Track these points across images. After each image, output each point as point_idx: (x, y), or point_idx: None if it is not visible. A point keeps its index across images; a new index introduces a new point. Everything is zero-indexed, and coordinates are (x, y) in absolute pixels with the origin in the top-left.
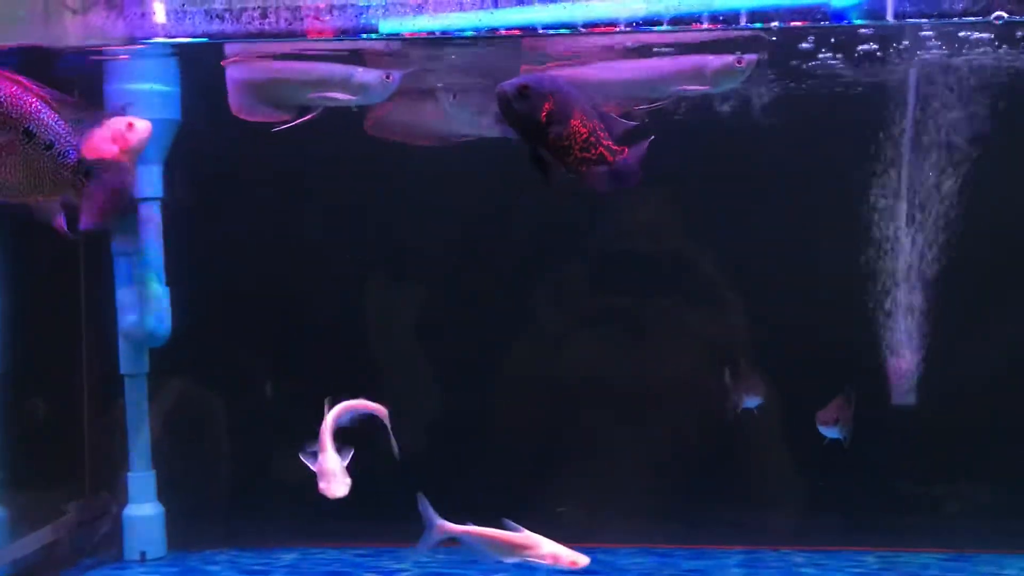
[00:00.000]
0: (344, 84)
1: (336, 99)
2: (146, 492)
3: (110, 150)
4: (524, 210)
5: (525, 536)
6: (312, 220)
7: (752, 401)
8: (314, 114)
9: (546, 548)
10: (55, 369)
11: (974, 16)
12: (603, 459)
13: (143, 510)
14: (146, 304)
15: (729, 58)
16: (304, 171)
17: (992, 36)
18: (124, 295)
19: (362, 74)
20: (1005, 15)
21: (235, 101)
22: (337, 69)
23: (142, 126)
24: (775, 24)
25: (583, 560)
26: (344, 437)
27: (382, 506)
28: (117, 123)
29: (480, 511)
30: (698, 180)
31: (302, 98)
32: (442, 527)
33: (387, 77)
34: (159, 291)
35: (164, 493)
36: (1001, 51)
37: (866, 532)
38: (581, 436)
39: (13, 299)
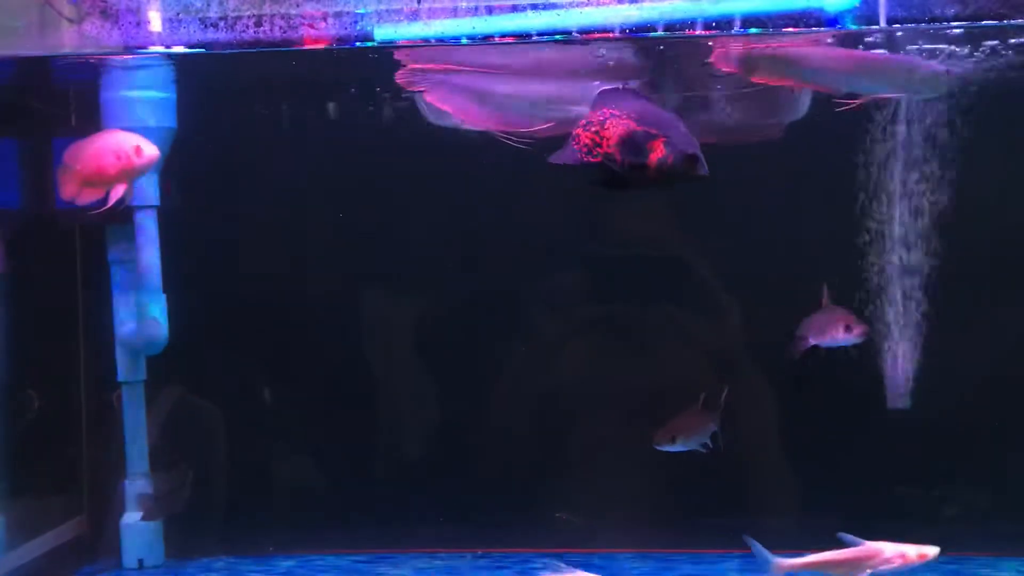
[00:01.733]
0: (908, 75)
1: (888, 93)
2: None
3: (112, 165)
4: (521, 216)
5: (866, 548)
6: (309, 227)
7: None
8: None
9: (890, 551)
10: (53, 377)
11: (965, 20)
12: (602, 464)
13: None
14: (143, 312)
15: (940, 67)
16: (301, 178)
17: (981, 39)
18: (121, 303)
19: (928, 66)
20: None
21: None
22: (898, 60)
23: (150, 151)
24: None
25: (932, 551)
26: (342, 438)
27: (379, 512)
28: (125, 142)
29: (478, 515)
30: (694, 186)
31: (844, 87)
32: (779, 564)
33: (947, 72)
34: (156, 299)
35: None
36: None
37: (863, 536)
38: (580, 442)
39: (11, 308)
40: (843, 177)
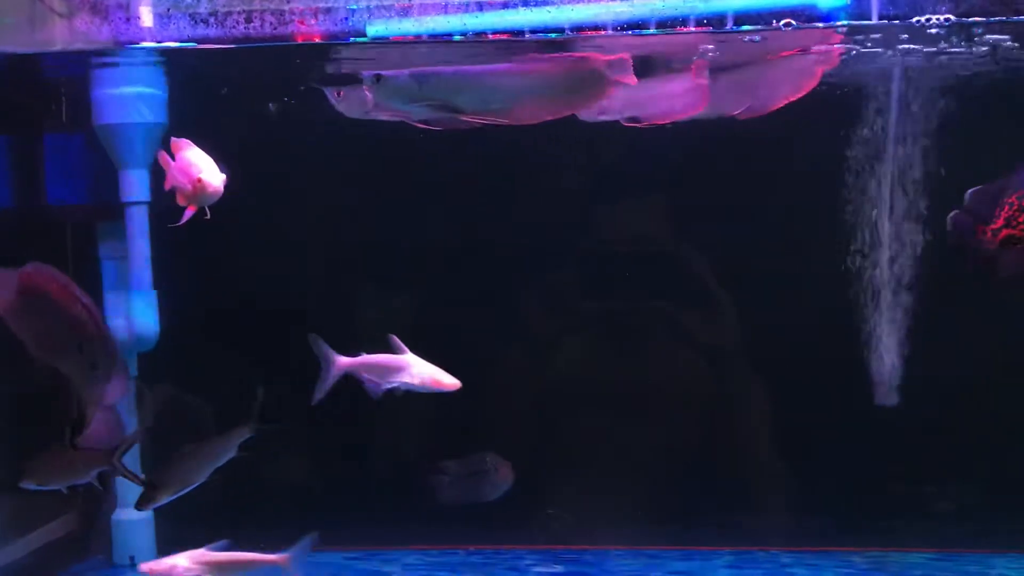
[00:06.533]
0: None
1: None
2: (135, 496)
3: (185, 184)
4: (517, 213)
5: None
6: (301, 223)
7: None
8: None
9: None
10: (43, 373)
11: (955, 16)
12: (592, 462)
13: (132, 514)
14: (134, 308)
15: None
16: (292, 173)
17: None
18: (112, 299)
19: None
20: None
21: None
22: None
23: (211, 185)
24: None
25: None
26: (334, 435)
27: (371, 509)
28: (195, 167)
29: (469, 511)
30: (689, 183)
31: None
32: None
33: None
34: (147, 295)
35: None
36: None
37: (855, 532)
38: (571, 439)
39: None
40: (837, 172)
